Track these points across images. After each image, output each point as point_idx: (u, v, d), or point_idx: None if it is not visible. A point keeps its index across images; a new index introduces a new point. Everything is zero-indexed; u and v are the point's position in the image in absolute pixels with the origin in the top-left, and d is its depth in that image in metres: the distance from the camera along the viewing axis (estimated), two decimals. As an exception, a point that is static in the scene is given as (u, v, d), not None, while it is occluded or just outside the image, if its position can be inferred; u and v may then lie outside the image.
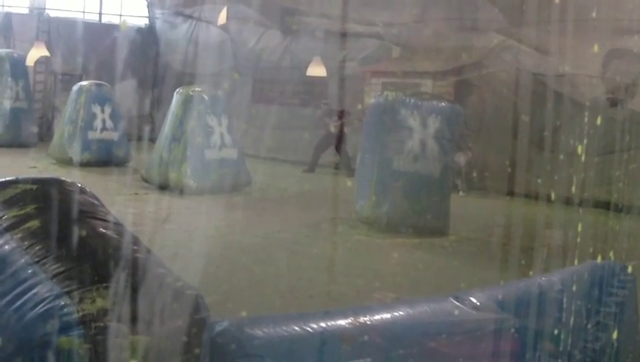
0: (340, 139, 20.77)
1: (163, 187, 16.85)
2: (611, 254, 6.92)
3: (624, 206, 14.51)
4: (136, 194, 16.51)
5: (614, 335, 5.34)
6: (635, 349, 5.68)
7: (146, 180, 17.71)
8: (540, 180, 15.90)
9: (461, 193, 18.00)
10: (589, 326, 5.23)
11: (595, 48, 17.39)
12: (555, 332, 5.01)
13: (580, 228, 13.24)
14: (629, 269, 5.64)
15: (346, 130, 21.30)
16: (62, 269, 3.70)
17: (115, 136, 21.54)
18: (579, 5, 15.62)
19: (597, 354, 5.22)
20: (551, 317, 5.03)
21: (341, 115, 21.18)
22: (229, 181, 17.24)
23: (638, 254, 8.62)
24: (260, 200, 16.87)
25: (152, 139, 20.37)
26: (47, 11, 28.65)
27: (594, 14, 16.12)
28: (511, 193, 17.90)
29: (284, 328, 4.03)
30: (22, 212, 4.17)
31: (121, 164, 21.21)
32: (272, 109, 24.45)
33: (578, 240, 11.95)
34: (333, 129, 21.58)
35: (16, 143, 24.05)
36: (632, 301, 5.67)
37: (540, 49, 18.99)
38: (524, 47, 19.64)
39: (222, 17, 26.23)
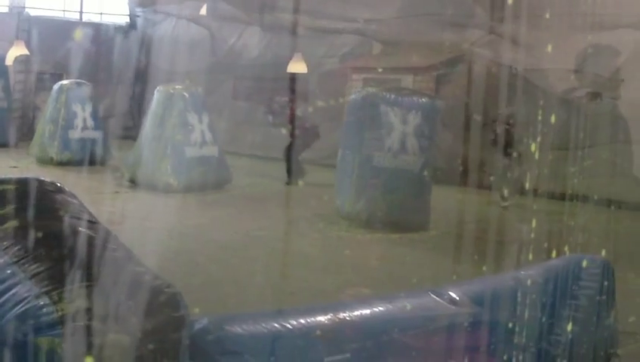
0: (290, 144, 19.76)
1: (144, 185, 16.79)
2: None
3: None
4: (117, 192, 16.50)
5: (592, 325, 5.39)
6: (612, 336, 5.74)
7: (126, 179, 17.66)
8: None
9: (506, 203, 16.26)
10: (565, 317, 5.27)
11: (575, 43, 17.44)
12: (533, 323, 5.05)
13: (568, 222, 13.40)
14: (607, 261, 5.69)
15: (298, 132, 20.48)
16: (41, 269, 3.71)
17: (96, 134, 21.46)
18: (559, 0, 15.70)
19: (573, 342, 5.26)
20: (529, 309, 5.06)
21: (292, 115, 19.97)
22: (209, 178, 17.23)
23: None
24: (241, 197, 16.86)
25: (133, 138, 20.31)
26: (26, 10, 28.53)
27: (574, 9, 16.19)
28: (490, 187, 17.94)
29: (264, 325, 4.05)
30: (0, 212, 4.17)
31: (102, 162, 21.13)
32: (252, 106, 24.44)
33: (563, 233, 12.07)
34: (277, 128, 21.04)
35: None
36: (611, 291, 5.72)
37: (520, 44, 19.03)
38: (504, 42, 19.67)
39: (202, 13, 26.21)
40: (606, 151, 17.01)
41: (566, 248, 7.04)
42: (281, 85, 24.38)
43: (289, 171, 19.08)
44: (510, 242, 10.81)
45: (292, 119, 19.63)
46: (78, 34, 27.18)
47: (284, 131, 19.51)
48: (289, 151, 19.22)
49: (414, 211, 13.80)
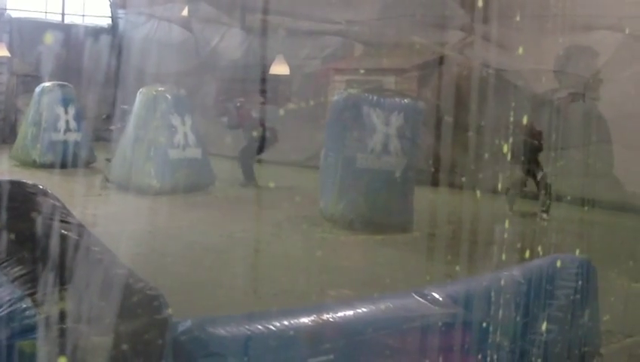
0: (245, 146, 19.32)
1: (127, 187, 16.75)
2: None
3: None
4: (100, 195, 16.45)
5: (570, 324, 5.43)
6: (595, 336, 5.78)
7: (109, 181, 17.63)
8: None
9: (544, 216, 15.21)
10: (546, 316, 5.30)
11: (556, 44, 17.53)
12: (514, 323, 5.08)
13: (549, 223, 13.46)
14: (588, 260, 5.73)
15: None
16: (23, 272, 3.71)
17: (78, 137, 21.41)
18: (540, 2, 15.77)
19: (555, 341, 5.30)
20: (511, 309, 5.09)
21: (246, 117, 19.55)
22: (193, 180, 17.20)
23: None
24: (224, 199, 16.85)
25: (116, 140, 20.27)
26: (7, 11, 28.42)
27: (554, 11, 16.27)
28: (474, 188, 17.96)
29: (247, 327, 4.06)
30: (-18, 215, 4.16)
31: (85, 165, 21.05)
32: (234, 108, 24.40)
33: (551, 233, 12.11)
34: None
35: (-23, 145, 23.89)
36: (593, 291, 5.76)
37: (501, 45, 19.09)
38: (485, 44, 19.74)
39: (184, 15, 26.21)
40: (586, 151, 17.10)
41: (539, 247, 7.08)
42: (264, 86, 24.41)
43: (245, 173, 19.00)
44: (491, 243, 10.83)
45: (244, 121, 19.36)
46: (59, 35, 27.09)
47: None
48: (244, 153, 19.08)
49: (398, 212, 13.83)
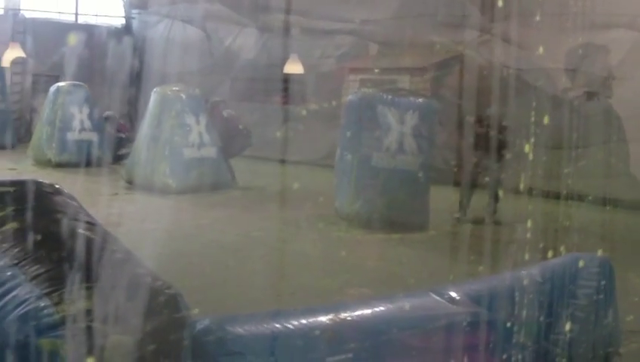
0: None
1: (142, 187, 16.76)
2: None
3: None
4: (115, 194, 16.45)
5: (592, 324, 5.40)
6: (612, 335, 5.74)
7: (125, 180, 17.65)
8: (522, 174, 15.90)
9: (458, 214, 14.91)
10: (564, 316, 5.27)
11: (570, 42, 17.47)
12: (532, 322, 5.05)
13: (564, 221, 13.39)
14: (606, 259, 5.69)
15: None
16: (41, 271, 3.71)
17: (93, 136, 21.46)
18: (554, 0, 15.72)
19: (573, 341, 5.27)
20: (529, 308, 5.07)
21: (217, 115, 18.88)
22: (208, 180, 17.20)
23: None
24: (241, 198, 16.84)
25: (132, 140, 20.31)
26: (22, 12, 28.49)
27: (569, 9, 16.21)
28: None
29: (265, 325, 4.05)
30: (0, 214, 4.16)
31: (100, 164, 21.08)
32: (250, 107, 24.42)
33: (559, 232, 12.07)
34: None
35: (-6, 145, 23.97)
36: (610, 290, 5.72)
37: (517, 43, 19.05)
38: (499, 42, 19.70)
39: (197, 15, 26.25)
40: (603, 150, 17.04)
41: (562, 247, 7.02)
42: (278, 86, 24.44)
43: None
44: (509, 241, 10.79)
45: (215, 121, 18.64)
46: (74, 36, 27.13)
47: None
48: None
49: (413, 211, 13.81)
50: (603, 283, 5.48)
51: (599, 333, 5.43)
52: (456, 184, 16.19)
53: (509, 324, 4.86)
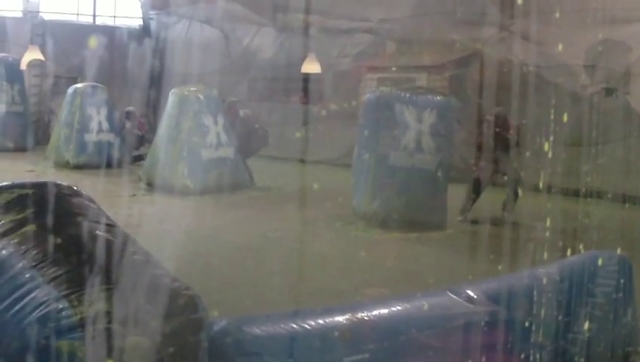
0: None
1: (160, 188, 16.78)
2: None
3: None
4: (134, 195, 16.50)
5: (610, 323, 5.39)
6: (631, 334, 5.72)
7: (143, 181, 17.69)
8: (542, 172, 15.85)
9: (461, 217, 14.53)
10: (583, 315, 5.26)
11: (589, 38, 17.41)
12: (551, 321, 5.05)
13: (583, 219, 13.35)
14: (625, 257, 5.68)
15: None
16: (59, 273, 3.73)
17: (111, 137, 21.54)
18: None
19: (591, 339, 5.26)
20: (547, 307, 5.06)
21: (233, 114, 18.77)
22: (226, 180, 17.21)
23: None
24: (258, 198, 16.86)
25: (150, 140, 20.36)
26: (40, 14, 28.61)
27: (586, 5, 16.16)
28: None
29: (283, 326, 4.06)
30: (19, 216, 4.19)
31: (118, 165, 21.14)
32: (267, 106, 24.47)
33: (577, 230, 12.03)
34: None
35: (13, 147, 24.03)
36: (628, 288, 5.71)
37: (534, 40, 19.01)
38: (518, 39, 19.65)
39: (215, 15, 26.31)
40: (621, 147, 16.97)
41: (581, 246, 7.00)
42: (296, 85, 24.44)
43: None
44: (526, 239, 10.77)
45: (232, 121, 18.68)
46: (92, 38, 27.22)
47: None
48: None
49: (431, 210, 13.79)
50: (622, 281, 5.47)
51: (618, 332, 5.42)
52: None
53: (526, 323, 4.85)
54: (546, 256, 6.30)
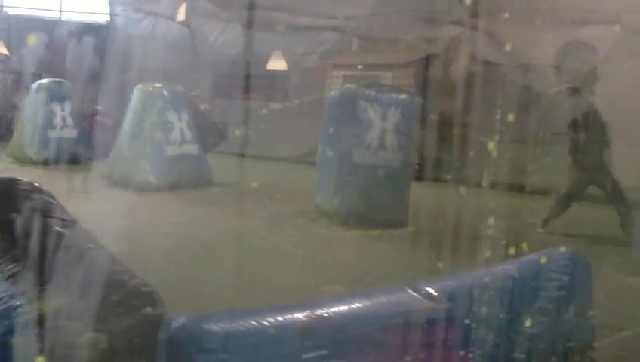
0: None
1: (123, 184, 16.72)
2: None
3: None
4: (96, 191, 16.42)
5: (567, 320, 5.45)
6: (587, 332, 5.80)
7: (105, 177, 17.60)
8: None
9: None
10: (540, 312, 5.32)
11: (553, 38, 17.53)
12: (512, 319, 5.11)
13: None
14: (578, 254, 5.75)
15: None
16: (17, 269, 3.73)
17: (75, 133, 21.41)
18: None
19: (545, 338, 5.32)
20: (506, 305, 5.12)
21: (193, 109, 18.99)
22: (189, 177, 17.20)
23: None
24: (221, 195, 16.84)
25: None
26: (5, 9, 28.41)
27: (551, 5, 16.28)
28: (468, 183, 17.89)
29: (241, 323, 4.06)
30: (-23, 213, 4.18)
31: (81, 161, 21.01)
32: (232, 103, 24.44)
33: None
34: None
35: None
36: (586, 286, 5.78)
37: (499, 40, 19.10)
38: (482, 38, 19.74)
39: (181, 13, 26.20)
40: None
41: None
42: (261, 82, 24.43)
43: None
44: (486, 237, 10.82)
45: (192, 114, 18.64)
46: (56, 33, 27.07)
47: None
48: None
49: (394, 207, 13.85)
50: (565, 278, 5.53)
51: (559, 329, 5.48)
52: (419, 179, 16.28)
53: (471, 321, 4.90)
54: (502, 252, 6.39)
